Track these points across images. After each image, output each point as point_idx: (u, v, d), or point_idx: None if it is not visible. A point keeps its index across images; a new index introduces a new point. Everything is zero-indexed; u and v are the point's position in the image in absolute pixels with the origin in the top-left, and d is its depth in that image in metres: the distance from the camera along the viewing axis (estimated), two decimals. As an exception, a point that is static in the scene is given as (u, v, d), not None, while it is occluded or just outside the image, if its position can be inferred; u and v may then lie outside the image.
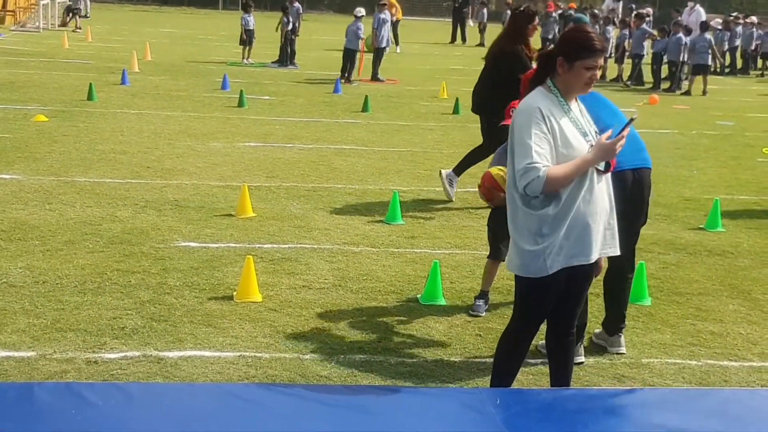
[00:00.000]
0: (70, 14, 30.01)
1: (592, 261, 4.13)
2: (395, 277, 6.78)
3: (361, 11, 19.60)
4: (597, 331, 5.67)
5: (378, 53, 19.75)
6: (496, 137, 7.73)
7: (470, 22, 31.98)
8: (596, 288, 5.45)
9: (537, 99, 4.07)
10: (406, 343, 5.57)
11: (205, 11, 47.38)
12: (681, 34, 21.20)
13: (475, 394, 4.28)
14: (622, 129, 4.06)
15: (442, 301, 6.27)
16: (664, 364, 5.43)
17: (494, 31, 30.69)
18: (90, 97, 14.61)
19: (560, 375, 4.47)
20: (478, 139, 9.37)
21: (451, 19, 33.75)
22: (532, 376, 5.13)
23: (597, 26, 23.43)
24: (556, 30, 26.67)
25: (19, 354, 5.07)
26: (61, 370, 4.89)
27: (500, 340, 4.50)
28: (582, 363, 5.27)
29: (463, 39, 32.64)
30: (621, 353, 5.48)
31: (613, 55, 23.66)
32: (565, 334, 4.39)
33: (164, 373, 4.95)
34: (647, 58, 22.62)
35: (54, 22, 30.32)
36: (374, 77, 19.59)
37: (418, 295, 6.34)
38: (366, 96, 15.62)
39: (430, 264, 6.55)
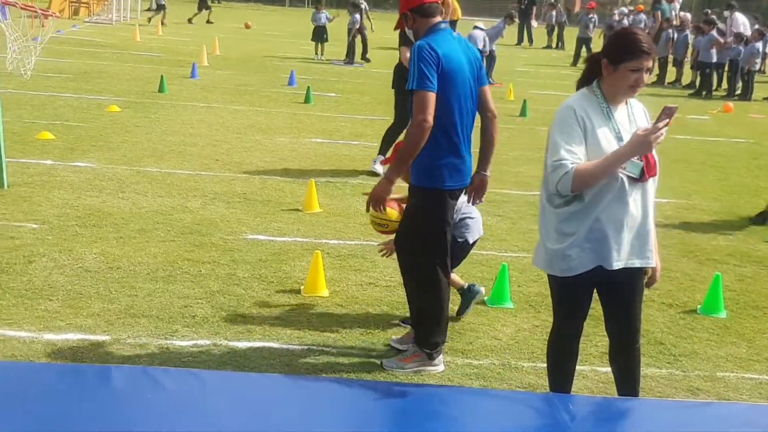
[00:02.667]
0: (157, 9, 30.30)
1: (614, 269, 3.99)
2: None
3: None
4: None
5: (492, 56, 19.38)
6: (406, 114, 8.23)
7: (534, 24, 31.68)
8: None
9: (575, 100, 4.02)
10: (473, 344, 5.54)
11: (271, 7, 47.79)
12: (756, 43, 20.75)
13: (546, 399, 4.24)
14: (659, 119, 3.80)
15: (510, 304, 6.23)
16: (740, 379, 5.31)
17: (569, 33, 30.53)
18: (161, 89, 14.84)
19: (627, 388, 4.36)
20: (546, 142, 9.27)
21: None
22: (603, 384, 5.06)
23: (671, 30, 23.03)
24: (591, 29, 26.24)
25: (94, 337, 5.18)
26: (134, 355, 4.98)
27: (547, 344, 4.45)
28: None
29: (530, 40, 32.40)
30: None
31: (688, 59, 23.12)
32: (625, 347, 4.26)
33: (234, 362, 5.01)
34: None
35: (126, 15, 30.84)
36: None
37: (486, 297, 6.30)
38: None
39: (497, 266, 6.52)
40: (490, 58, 19.15)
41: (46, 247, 6.66)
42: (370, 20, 23.43)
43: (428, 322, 5.07)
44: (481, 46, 18.61)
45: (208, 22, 30.76)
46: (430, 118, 4.64)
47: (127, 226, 7.35)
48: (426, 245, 4.99)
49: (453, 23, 26.63)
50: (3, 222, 7.19)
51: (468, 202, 5.28)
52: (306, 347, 5.29)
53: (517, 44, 32.27)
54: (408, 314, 5.49)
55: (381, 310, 5.97)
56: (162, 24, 28.82)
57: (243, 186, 9.03)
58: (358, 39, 22.10)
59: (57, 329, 5.25)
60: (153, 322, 5.45)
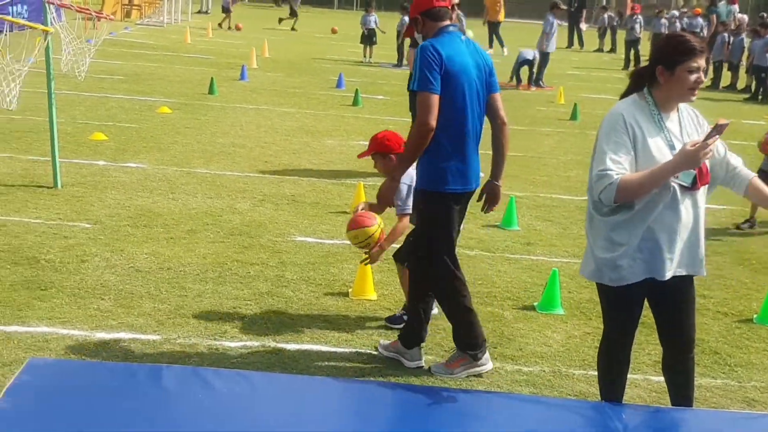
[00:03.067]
0: (224, 12, 30.36)
1: (666, 278, 3.91)
2: (511, 283, 6.69)
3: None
4: None
5: (545, 58, 19.39)
6: None
7: (584, 26, 31.38)
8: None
9: (625, 106, 3.92)
10: (523, 351, 5.48)
11: (320, 9, 48.01)
12: None
13: (598, 408, 4.17)
14: (709, 135, 3.73)
15: (560, 311, 6.15)
16: (797, 390, 5.18)
17: (621, 36, 30.14)
18: (211, 91, 14.97)
19: (681, 398, 4.27)
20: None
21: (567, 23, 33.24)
22: (656, 393, 4.97)
23: (726, 34, 22.64)
24: (638, 31, 25.87)
25: (145, 336, 5.22)
26: (185, 355, 5.01)
27: (598, 352, 4.38)
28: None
29: (581, 43, 32.11)
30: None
31: (743, 64, 22.71)
32: (679, 356, 4.17)
33: (282, 364, 5.01)
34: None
35: (177, 17, 31.18)
36: (536, 83, 19.25)
37: (535, 303, 6.24)
38: (481, 99, 15.45)
39: (547, 272, 6.45)
40: (542, 59, 19.03)
41: (99, 247, 6.74)
42: None
43: (459, 326, 5.04)
44: (530, 57, 18.56)
45: (292, 29, 30.50)
46: (433, 120, 4.60)
47: (177, 227, 7.41)
48: (432, 248, 4.94)
49: (495, 25, 26.59)
50: (57, 221, 7.30)
51: (482, 210, 5.23)
52: (354, 350, 5.28)
53: (567, 47, 32.00)
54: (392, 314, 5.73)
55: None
56: (229, 29, 29.02)
57: (291, 188, 9.06)
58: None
59: (109, 328, 5.30)
60: (202, 323, 5.48)
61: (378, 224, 5.41)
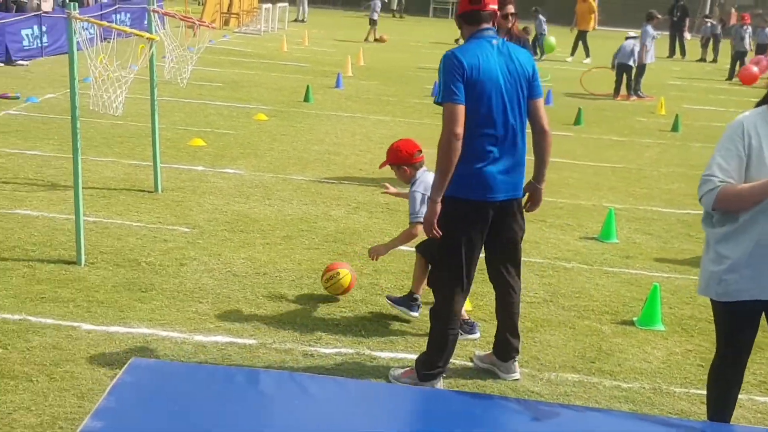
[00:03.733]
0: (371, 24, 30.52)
1: None
2: (609, 297, 6.54)
3: (631, 33, 18.99)
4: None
5: (642, 69, 18.93)
6: None
7: (687, 36, 30.64)
8: None
9: (749, 114, 3.80)
10: (622, 366, 5.34)
11: (416, 18, 48.15)
12: None
13: (702, 428, 4.01)
14: None
15: (661, 327, 5.97)
16: None
17: (724, 46, 29.37)
18: (306, 99, 15.14)
19: None
20: (700, 159, 8.91)
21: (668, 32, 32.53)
22: (761, 415, 4.77)
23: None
24: (747, 43, 25.00)
25: (241, 341, 5.27)
26: (280, 360, 5.04)
27: (709, 368, 4.22)
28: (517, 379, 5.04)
29: (683, 53, 31.37)
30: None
31: None
32: None
33: (376, 372, 4.99)
34: None
35: (274, 26, 31.68)
36: (636, 92, 18.88)
37: (635, 318, 6.08)
38: (579, 108, 15.25)
39: (647, 286, 6.29)
40: (639, 69, 18.61)
41: (197, 251, 6.86)
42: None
43: (431, 348, 4.86)
44: (629, 62, 18.13)
45: (375, 40, 30.49)
46: (459, 130, 4.48)
47: (273, 233, 7.49)
48: (442, 257, 4.79)
49: (583, 33, 26.20)
50: (157, 225, 7.46)
51: (524, 209, 5.04)
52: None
53: (668, 57, 31.29)
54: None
55: (525, 326, 5.83)
56: (375, 40, 29.21)
57: (385, 196, 9.03)
58: None
59: (206, 331, 5.38)
60: (298, 329, 5.51)
61: (348, 272, 5.98)
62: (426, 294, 5.74)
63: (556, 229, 8.29)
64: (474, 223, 4.69)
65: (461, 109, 4.48)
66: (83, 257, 6.39)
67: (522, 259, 5.03)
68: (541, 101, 4.78)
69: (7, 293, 5.75)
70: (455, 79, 4.49)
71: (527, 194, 4.95)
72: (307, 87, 15.55)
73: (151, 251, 6.77)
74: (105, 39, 6.91)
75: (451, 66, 4.52)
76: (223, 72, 18.44)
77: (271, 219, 7.91)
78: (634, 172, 11.28)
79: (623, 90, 18.65)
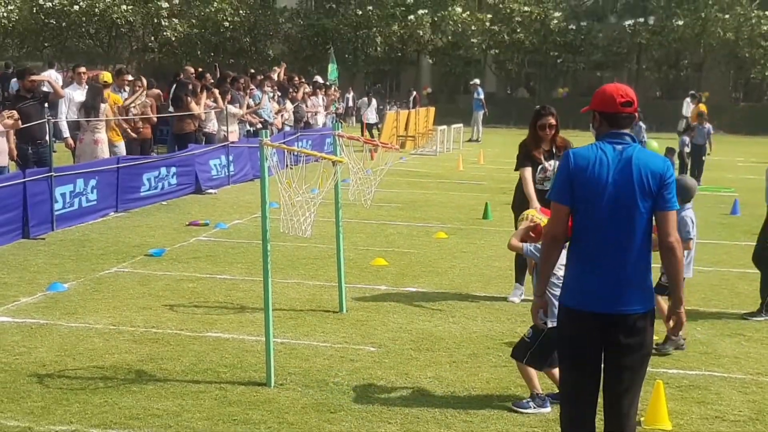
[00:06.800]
0: None
1: None
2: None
3: None
4: None
5: None
6: None
7: None
8: None
9: None
10: None
11: (586, 133, 47.87)
12: None
13: None
14: None
15: None
16: None
17: None
18: (485, 216, 15.15)
19: None
20: None
21: None
22: None
23: None
24: None
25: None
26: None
27: None
28: None
29: None
30: None
31: None
32: None
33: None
34: None
35: (449, 146, 32.29)
36: None
37: None
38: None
39: None
40: (697, 157, 17.70)
41: (384, 370, 6.83)
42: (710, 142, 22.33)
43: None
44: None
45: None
46: (559, 231, 4.44)
47: (459, 351, 7.37)
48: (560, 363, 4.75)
49: (691, 128, 24.98)
50: (343, 345, 7.51)
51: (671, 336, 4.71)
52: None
53: None
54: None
55: (736, 450, 5.39)
56: None
57: (572, 311, 8.78)
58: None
59: (396, 453, 5.28)
60: (490, 451, 5.31)
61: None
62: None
63: (753, 342, 7.76)
64: (575, 333, 4.45)
65: (563, 210, 4.45)
66: (273, 379, 6.49)
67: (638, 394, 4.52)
68: (669, 214, 4.35)
69: (201, 415, 5.88)
70: (564, 179, 4.44)
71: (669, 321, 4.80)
72: (486, 204, 15.58)
73: (338, 371, 6.79)
74: (287, 165, 7.22)
75: (563, 165, 4.47)
76: (401, 192, 18.81)
77: (456, 337, 7.81)
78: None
79: None
